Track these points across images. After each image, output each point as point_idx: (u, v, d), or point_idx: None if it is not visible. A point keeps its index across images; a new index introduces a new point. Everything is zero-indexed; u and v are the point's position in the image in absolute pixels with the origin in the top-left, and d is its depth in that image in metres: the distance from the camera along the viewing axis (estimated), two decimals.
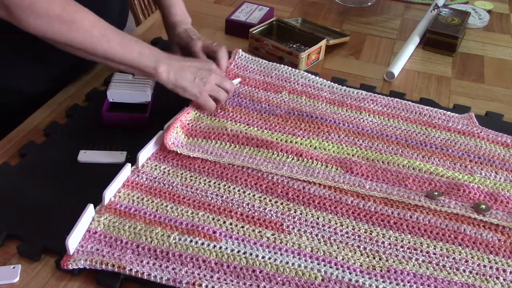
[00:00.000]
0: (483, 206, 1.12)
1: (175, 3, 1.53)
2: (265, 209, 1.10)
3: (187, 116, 1.30)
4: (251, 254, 1.01)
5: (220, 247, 1.01)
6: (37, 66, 1.40)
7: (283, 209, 1.10)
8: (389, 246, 1.04)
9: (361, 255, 1.02)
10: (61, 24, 1.12)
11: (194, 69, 1.28)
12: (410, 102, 1.43)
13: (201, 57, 1.41)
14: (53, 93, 1.43)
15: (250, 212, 1.09)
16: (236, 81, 1.47)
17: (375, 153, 1.26)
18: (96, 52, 1.17)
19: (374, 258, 1.02)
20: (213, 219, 1.07)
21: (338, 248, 1.03)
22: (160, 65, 1.22)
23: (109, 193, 1.10)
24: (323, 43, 1.64)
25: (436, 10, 1.89)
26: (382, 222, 1.09)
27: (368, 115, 1.38)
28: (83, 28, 1.14)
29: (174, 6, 1.52)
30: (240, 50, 1.58)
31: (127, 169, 1.15)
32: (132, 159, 1.20)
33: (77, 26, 1.13)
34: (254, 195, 1.13)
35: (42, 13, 1.09)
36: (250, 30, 1.66)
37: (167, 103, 1.33)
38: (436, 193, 1.14)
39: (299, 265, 0.99)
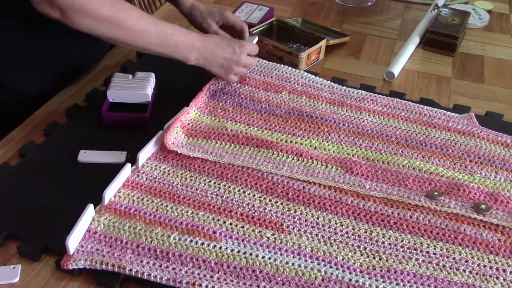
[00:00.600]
0: (483, 206, 1.12)
1: None
2: (265, 209, 1.10)
3: (187, 116, 1.30)
4: (251, 254, 1.01)
5: (220, 247, 1.01)
6: (38, 66, 1.40)
7: (283, 209, 1.11)
8: (389, 246, 1.04)
9: (361, 255, 1.02)
10: (109, 24, 1.19)
11: (223, 59, 1.37)
12: (410, 102, 1.43)
13: (241, 23, 1.55)
14: (53, 93, 1.43)
15: (250, 212, 1.09)
16: (255, 40, 1.57)
17: (375, 153, 1.26)
18: (137, 46, 1.27)
19: (374, 258, 1.02)
20: (213, 219, 1.07)
21: (338, 248, 1.03)
22: (191, 55, 1.31)
23: (109, 193, 1.10)
24: (323, 43, 1.64)
25: (436, 10, 1.89)
26: (382, 222, 1.09)
27: (368, 115, 1.38)
28: (127, 26, 1.21)
29: None
30: (257, 38, 1.58)
31: (127, 169, 1.15)
32: (132, 159, 1.20)
33: (123, 24, 1.20)
34: (254, 195, 1.13)
35: (92, 14, 1.16)
36: (250, 30, 1.66)
37: (167, 103, 1.33)
38: (436, 193, 1.14)
39: (299, 265, 0.99)
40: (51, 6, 1.13)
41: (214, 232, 1.04)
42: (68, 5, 1.13)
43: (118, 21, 1.20)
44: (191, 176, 1.17)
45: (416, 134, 1.33)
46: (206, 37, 1.36)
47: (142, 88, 1.33)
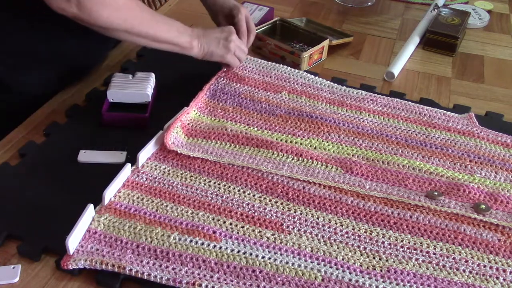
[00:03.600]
0: (483, 206, 1.12)
1: None
2: (265, 209, 1.10)
3: (187, 116, 1.30)
4: (251, 254, 1.01)
5: (220, 247, 1.01)
6: (40, 67, 1.40)
7: (283, 209, 1.11)
8: (389, 246, 1.04)
9: (361, 255, 1.02)
10: (126, 12, 1.21)
11: (217, 34, 1.41)
12: (410, 102, 1.43)
13: (242, 25, 1.50)
14: (54, 94, 1.43)
15: (250, 212, 1.09)
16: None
17: (375, 153, 1.26)
18: (148, 34, 1.27)
19: (374, 258, 1.02)
20: (213, 219, 1.07)
21: (338, 248, 1.03)
22: (193, 39, 1.34)
23: (109, 193, 1.10)
24: (325, 43, 1.64)
25: (436, 10, 1.89)
26: (382, 222, 1.09)
27: (368, 115, 1.38)
28: (140, 13, 1.25)
29: None
30: None
31: (127, 169, 1.15)
32: (132, 159, 1.20)
33: (136, 12, 1.24)
34: (254, 195, 1.13)
35: (111, 3, 1.18)
36: None
37: (167, 103, 1.33)
38: (436, 193, 1.14)
39: (299, 265, 0.99)
40: (68, 1, 1.13)
41: (214, 232, 1.04)
42: None
43: (133, 8, 1.22)
44: (191, 176, 1.17)
45: (416, 134, 1.33)
46: (193, 27, 1.38)
47: (142, 88, 1.33)
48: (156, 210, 1.09)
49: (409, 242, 1.05)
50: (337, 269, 0.99)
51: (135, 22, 1.23)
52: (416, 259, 1.02)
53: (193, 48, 1.35)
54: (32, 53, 1.37)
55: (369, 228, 1.08)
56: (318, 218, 1.09)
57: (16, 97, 1.41)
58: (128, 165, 1.16)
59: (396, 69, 1.59)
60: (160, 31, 1.29)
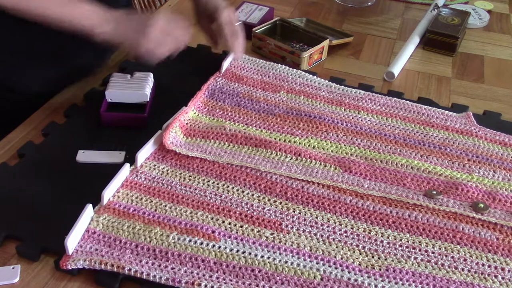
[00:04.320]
0: (481, 205, 1.12)
1: None
2: (264, 208, 1.10)
3: (185, 115, 1.30)
4: (250, 253, 1.01)
5: (219, 247, 1.02)
6: (42, 67, 1.40)
7: (282, 209, 1.11)
8: (388, 245, 1.04)
9: (360, 254, 1.02)
10: None
11: (132, 29, 1.25)
12: (408, 101, 1.43)
13: (223, 29, 1.41)
14: (54, 94, 1.43)
15: (249, 211, 1.10)
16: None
17: (374, 152, 1.26)
18: (38, 13, 1.18)
19: (373, 257, 1.02)
20: (212, 218, 1.07)
21: (337, 247, 1.03)
22: (98, 22, 1.22)
23: (108, 193, 1.10)
24: (325, 43, 1.64)
25: (436, 10, 1.89)
26: (380, 221, 1.09)
27: (366, 114, 1.38)
28: None
29: None
30: None
31: (126, 169, 1.15)
32: (130, 159, 1.20)
33: None
34: (253, 195, 1.13)
35: None
36: (254, 29, 1.66)
37: (166, 103, 1.33)
38: (435, 192, 1.14)
39: (298, 264, 0.99)
40: None
41: (213, 232, 1.04)
42: None
43: None
44: (189, 176, 1.17)
45: (414, 133, 1.33)
46: (116, 11, 1.25)
47: (141, 88, 1.33)
48: (155, 210, 1.09)
49: (407, 241, 1.05)
50: (336, 268, 0.99)
51: (22, 2, 1.15)
52: (415, 258, 1.02)
53: (95, 29, 1.21)
54: (33, 53, 1.37)
55: (368, 227, 1.08)
56: (317, 217, 1.09)
57: (17, 97, 1.41)
58: (127, 165, 1.16)
59: (396, 69, 1.59)
60: (49, 4, 1.18)
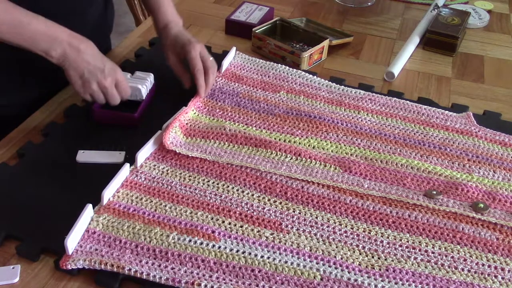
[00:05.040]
0: (481, 205, 1.12)
1: (165, 2, 1.47)
2: (263, 208, 1.10)
3: (185, 116, 1.31)
4: (250, 253, 1.01)
5: (219, 247, 1.02)
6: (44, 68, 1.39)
7: (281, 209, 1.11)
8: (387, 245, 1.04)
9: (360, 254, 1.02)
10: None
11: (87, 69, 1.21)
12: (408, 101, 1.43)
13: (197, 63, 1.35)
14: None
15: (249, 211, 1.10)
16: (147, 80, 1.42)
17: (374, 152, 1.26)
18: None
19: (373, 257, 1.02)
20: (212, 218, 1.07)
21: (337, 247, 1.03)
22: (52, 50, 1.17)
23: (108, 193, 1.10)
24: (325, 43, 1.64)
25: (436, 10, 1.89)
26: (380, 221, 1.09)
27: (366, 114, 1.38)
28: None
29: (164, 5, 1.47)
30: (235, 48, 1.59)
31: (126, 169, 1.15)
32: (130, 159, 1.20)
33: None
34: (252, 195, 1.13)
35: None
36: (254, 29, 1.66)
37: (166, 103, 1.33)
38: (435, 192, 1.14)
39: (298, 264, 0.99)
40: None
41: (213, 232, 1.04)
42: None
43: None
44: (189, 176, 1.17)
45: (414, 133, 1.33)
46: (78, 37, 1.21)
47: (138, 85, 1.33)
48: (155, 210, 1.09)
49: (407, 241, 1.05)
50: (336, 268, 0.99)
51: None
52: (415, 258, 1.02)
53: (49, 57, 1.18)
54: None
55: (368, 227, 1.08)
56: (317, 218, 1.09)
57: (16, 99, 1.41)
58: (127, 165, 1.16)
59: (396, 69, 1.59)
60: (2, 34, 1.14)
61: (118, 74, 1.25)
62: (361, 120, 1.36)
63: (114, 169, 1.14)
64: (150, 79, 1.38)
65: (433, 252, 1.03)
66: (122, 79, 1.26)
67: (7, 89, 1.39)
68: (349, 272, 0.99)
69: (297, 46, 1.68)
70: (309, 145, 1.27)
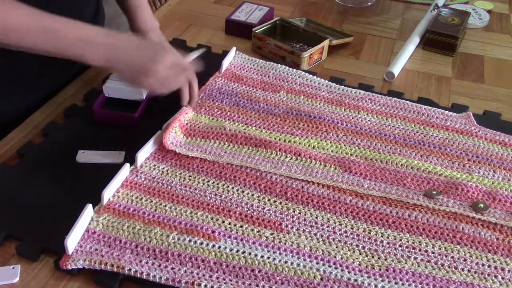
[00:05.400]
0: (481, 205, 1.12)
1: (142, 4, 1.44)
2: (263, 208, 1.10)
3: (185, 116, 1.30)
4: (250, 253, 1.01)
5: (219, 247, 1.02)
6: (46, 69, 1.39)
7: (281, 209, 1.11)
8: (387, 245, 1.04)
9: (360, 254, 1.02)
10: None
11: (134, 64, 1.16)
12: (408, 101, 1.43)
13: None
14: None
15: (249, 211, 1.10)
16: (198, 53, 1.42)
17: (374, 152, 1.26)
18: (10, 43, 1.08)
19: (373, 257, 1.02)
20: (212, 218, 1.07)
21: (337, 247, 1.03)
22: (90, 54, 1.13)
23: (108, 193, 1.10)
24: (325, 43, 1.64)
25: (436, 10, 1.89)
26: (380, 221, 1.09)
27: (366, 114, 1.38)
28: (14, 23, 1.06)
29: (141, 7, 1.43)
30: (235, 48, 1.59)
31: (126, 169, 1.15)
32: (130, 159, 1.20)
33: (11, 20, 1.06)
34: (252, 195, 1.13)
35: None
36: (253, 29, 1.66)
37: (166, 103, 1.33)
38: (435, 192, 1.14)
39: (298, 264, 0.99)
40: None
41: (213, 232, 1.04)
42: None
43: (8, 16, 1.04)
44: (189, 176, 1.17)
45: (414, 133, 1.33)
46: (119, 35, 1.16)
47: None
48: (155, 210, 1.09)
49: (407, 241, 1.05)
50: (336, 268, 0.99)
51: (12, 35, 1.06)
52: (415, 258, 1.02)
53: (88, 61, 1.14)
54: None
55: (368, 227, 1.08)
56: (317, 218, 1.09)
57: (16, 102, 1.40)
58: (127, 165, 1.16)
59: (396, 69, 1.59)
60: (30, 41, 1.09)
61: (170, 56, 1.19)
62: (361, 120, 1.36)
63: (114, 169, 1.14)
64: None
65: (433, 252, 1.03)
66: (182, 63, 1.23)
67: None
68: (349, 272, 0.99)
69: (297, 46, 1.68)
70: (309, 145, 1.27)
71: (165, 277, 0.95)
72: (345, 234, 1.06)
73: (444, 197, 1.15)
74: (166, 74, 1.18)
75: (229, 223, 1.07)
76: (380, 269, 0.99)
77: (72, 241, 0.99)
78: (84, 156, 1.21)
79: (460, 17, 1.82)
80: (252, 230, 1.06)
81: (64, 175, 1.18)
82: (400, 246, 1.04)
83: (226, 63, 1.52)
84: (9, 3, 1.05)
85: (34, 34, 1.07)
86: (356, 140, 1.30)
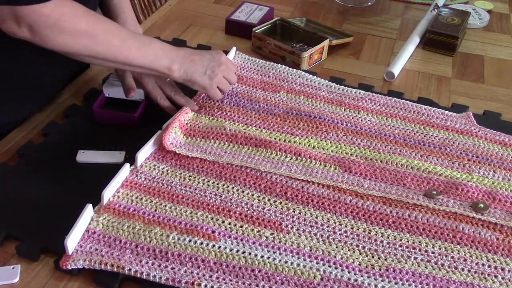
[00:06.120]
0: (481, 205, 1.12)
1: (125, 8, 1.45)
2: (264, 208, 1.10)
3: (185, 116, 1.30)
4: (250, 253, 1.01)
5: (219, 247, 1.02)
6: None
7: (282, 209, 1.11)
8: (387, 245, 1.04)
9: (360, 254, 1.02)
10: (86, 38, 1.10)
11: (205, 62, 1.29)
12: (408, 101, 1.43)
13: (155, 94, 1.35)
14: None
15: (249, 211, 1.09)
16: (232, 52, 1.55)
17: (374, 152, 1.26)
18: (117, 60, 1.17)
19: (373, 257, 1.02)
20: (212, 218, 1.07)
21: (337, 247, 1.03)
22: (173, 64, 1.22)
23: (108, 193, 1.10)
24: (325, 43, 1.64)
25: (436, 10, 1.89)
26: (380, 221, 1.09)
27: (366, 114, 1.38)
28: (106, 40, 1.14)
29: (124, 12, 1.44)
30: (235, 48, 1.59)
31: (126, 169, 1.15)
32: (130, 159, 1.20)
33: (100, 38, 1.13)
34: (253, 195, 1.13)
35: (68, 30, 1.07)
36: (253, 29, 1.66)
37: None
38: (435, 192, 1.14)
39: (298, 264, 0.99)
40: (18, 25, 1.04)
41: (213, 232, 1.04)
42: (40, 22, 1.04)
43: (96, 35, 1.12)
44: (189, 176, 1.17)
45: (414, 133, 1.33)
46: (180, 48, 1.27)
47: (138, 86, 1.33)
48: (155, 210, 1.09)
49: (407, 241, 1.05)
50: (336, 268, 0.99)
51: (99, 48, 1.13)
52: (415, 258, 1.02)
53: (172, 73, 1.23)
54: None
55: (368, 227, 1.08)
56: (317, 217, 1.09)
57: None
58: (127, 165, 1.16)
59: (396, 69, 1.59)
60: (133, 56, 1.17)
61: (223, 54, 1.34)
62: (361, 120, 1.36)
63: (114, 169, 1.14)
64: None
65: (433, 252, 1.03)
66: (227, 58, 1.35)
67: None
68: (349, 272, 0.98)
69: (297, 46, 1.68)
70: (309, 145, 1.27)
71: (165, 277, 0.95)
72: (345, 234, 1.06)
73: (444, 197, 1.15)
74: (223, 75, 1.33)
75: (229, 223, 1.07)
76: (380, 269, 0.99)
77: (72, 241, 0.99)
78: (84, 156, 1.21)
79: (460, 17, 1.82)
80: (252, 230, 1.06)
81: (64, 175, 1.18)
82: (400, 246, 1.04)
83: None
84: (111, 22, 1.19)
85: (135, 48, 1.18)
86: (356, 140, 1.30)
